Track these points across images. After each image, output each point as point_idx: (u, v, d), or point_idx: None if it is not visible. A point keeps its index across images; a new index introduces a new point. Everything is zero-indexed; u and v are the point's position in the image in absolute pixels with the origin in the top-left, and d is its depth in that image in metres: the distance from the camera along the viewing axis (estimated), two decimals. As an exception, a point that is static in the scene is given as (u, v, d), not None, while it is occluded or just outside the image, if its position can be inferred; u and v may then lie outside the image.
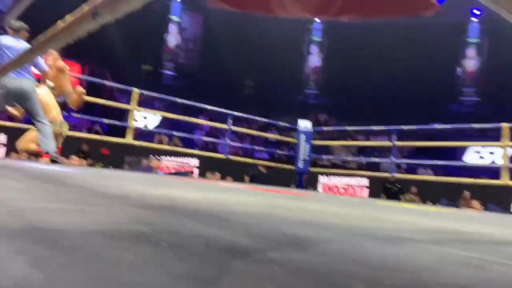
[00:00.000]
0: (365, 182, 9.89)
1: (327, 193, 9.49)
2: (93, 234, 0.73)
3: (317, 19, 19.15)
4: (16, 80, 4.47)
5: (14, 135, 5.90)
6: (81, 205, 1.16)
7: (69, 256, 0.56)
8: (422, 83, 17.14)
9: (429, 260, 0.90)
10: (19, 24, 4.65)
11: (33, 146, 5.07)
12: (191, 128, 15.09)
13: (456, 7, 14.54)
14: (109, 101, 8.71)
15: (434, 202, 8.48)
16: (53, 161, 4.50)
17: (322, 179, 10.24)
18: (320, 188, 10.19)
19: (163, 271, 0.52)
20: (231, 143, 9.44)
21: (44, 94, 5.04)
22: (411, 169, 12.96)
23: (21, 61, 2.83)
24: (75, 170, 4.12)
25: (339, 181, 10.17)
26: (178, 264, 0.56)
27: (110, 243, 0.66)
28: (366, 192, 9.82)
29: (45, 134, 4.60)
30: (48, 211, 0.98)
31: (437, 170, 13.04)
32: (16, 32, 4.61)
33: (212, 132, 15.27)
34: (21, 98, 4.61)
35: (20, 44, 4.46)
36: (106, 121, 7.81)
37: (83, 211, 1.03)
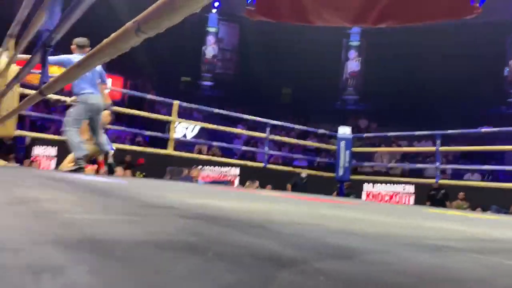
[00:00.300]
0: (411, 189, 9.61)
1: (370, 201, 9.31)
2: (144, 244, 0.77)
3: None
4: (95, 97, 4.99)
5: (63, 147, 6.22)
6: (129, 216, 1.21)
7: (124, 265, 0.60)
8: (467, 85, 16.52)
9: (478, 271, 0.88)
10: (83, 40, 4.99)
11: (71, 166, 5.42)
12: (230, 137, 15.26)
13: (500, 5, 13.98)
14: (151, 113, 8.96)
15: (484, 209, 8.14)
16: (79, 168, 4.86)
17: (366, 187, 10.05)
18: (364, 195, 10.00)
19: (213, 281, 0.54)
20: (270, 151, 9.47)
21: None
22: (457, 175, 12.49)
23: (69, 76, 2.97)
24: (120, 181, 4.27)
25: (383, 189, 9.94)
26: (226, 274, 0.58)
27: (161, 253, 0.69)
28: (412, 199, 9.54)
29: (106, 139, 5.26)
30: (100, 222, 1.03)
31: (485, 176, 12.50)
32: (80, 49, 4.93)
33: (250, 141, 15.37)
34: (96, 113, 5.08)
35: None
36: (147, 132, 8.05)
37: (132, 221, 1.08)
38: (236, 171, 10.28)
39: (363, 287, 0.61)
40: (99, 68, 5.06)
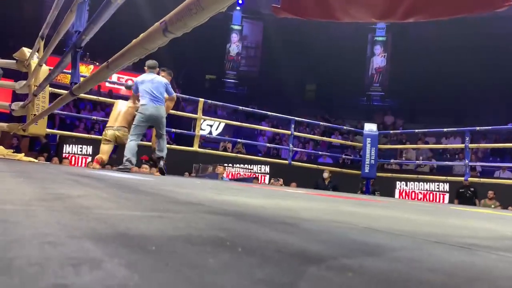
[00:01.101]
0: (445, 187, 9.41)
1: (401, 199, 9.17)
2: (175, 239, 0.79)
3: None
4: (154, 108, 5.71)
5: (97, 146, 6.59)
6: (158, 212, 1.24)
7: (157, 259, 0.62)
8: (497, 79, 16.02)
9: (508, 269, 0.86)
10: (153, 62, 5.92)
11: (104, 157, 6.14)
12: (254, 134, 15.30)
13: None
14: (176, 110, 9.07)
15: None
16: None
17: (398, 185, 9.90)
18: (396, 194, 9.85)
19: (244, 275, 0.55)
20: (294, 148, 9.45)
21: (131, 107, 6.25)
22: (488, 172, 12.16)
23: (98, 77, 3.05)
24: (147, 177, 4.35)
25: (416, 187, 9.77)
26: (256, 269, 0.60)
27: (192, 248, 0.71)
28: (446, 197, 9.34)
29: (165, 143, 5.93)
30: (131, 217, 1.06)
31: (516, 173, 12.12)
32: (152, 69, 5.93)
33: (275, 137, 15.37)
34: (154, 122, 5.81)
35: (155, 78, 5.82)
36: (173, 130, 8.15)
37: (162, 217, 1.10)
38: (262, 168, 10.30)
39: (393, 284, 0.61)
40: (164, 81, 5.88)
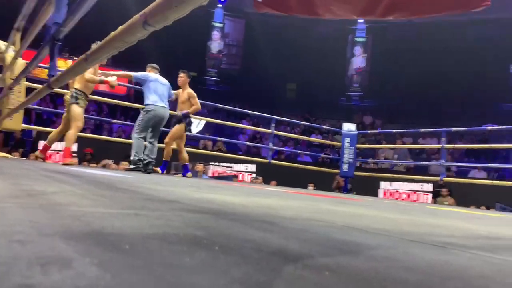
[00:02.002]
0: (428, 187, 9.59)
1: (385, 198, 9.29)
2: (151, 237, 0.77)
3: (360, 19, 18.82)
4: (164, 110, 5.85)
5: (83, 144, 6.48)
6: (136, 209, 1.22)
7: (131, 258, 0.60)
8: (473, 82, 16.38)
9: (482, 268, 0.88)
10: (156, 65, 6.17)
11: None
12: (235, 132, 15.26)
13: (508, 2, 13.84)
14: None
15: (489, 206, 8.11)
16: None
17: (383, 185, 10.05)
18: (381, 194, 10.00)
19: (220, 274, 0.54)
20: (274, 147, 9.46)
21: None
22: (463, 172, 12.44)
23: (76, 70, 2.98)
24: (125, 175, 4.29)
25: (401, 187, 9.92)
26: (233, 267, 0.59)
27: (168, 246, 0.70)
28: (430, 197, 9.53)
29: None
30: (106, 215, 1.04)
31: (490, 173, 12.45)
32: (155, 70, 6.14)
33: (256, 136, 15.37)
34: (159, 124, 5.89)
35: (164, 80, 6.09)
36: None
37: (138, 215, 1.08)
38: (242, 166, 10.29)
39: (369, 283, 0.61)
40: (168, 84, 6.11)
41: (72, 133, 5.47)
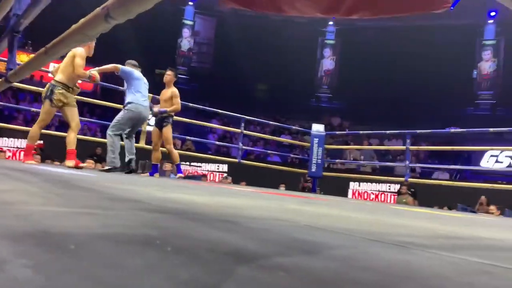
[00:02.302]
0: (396, 188, 9.80)
1: (354, 198, 9.44)
2: (100, 237, 0.73)
3: (330, 21, 19.05)
4: (145, 110, 5.70)
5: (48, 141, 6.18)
6: (91, 208, 1.17)
7: (73, 259, 0.56)
8: (437, 86, 16.89)
9: (440, 267, 0.88)
10: (135, 61, 5.90)
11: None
12: (204, 132, 15.14)
13: (472, 8, 14.33)
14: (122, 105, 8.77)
15: (451, 207, 8.35)
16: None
17: (352, 185, 10.21)
18: (350, 194, 10.16)
19: (166, 276, 0.51)
20: (244, 147, 9.43)
21: None
22: (427, 173, 12.77)
23: (35, 64, 2.86)
24: (89, 173, 4.17)
25: (369, 188, 10.11)
26: (181, 269, 0.56)
27: (116, 247, 0.66)
28: (396, 198, 9.76)
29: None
30: (57, 214, 0.99)
31: (453, 175, 12.85)
32: (136, 67, 5.81)
33: (226, 135, 15.30)
34: (139, 123, 5.78)
35: (145, 79, 5.82)
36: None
37: (92, 214, 1.03)
38: (211, 166, 10.21)
39: (325, 283, 0.59)
40: (147, 82, 5.85)
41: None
